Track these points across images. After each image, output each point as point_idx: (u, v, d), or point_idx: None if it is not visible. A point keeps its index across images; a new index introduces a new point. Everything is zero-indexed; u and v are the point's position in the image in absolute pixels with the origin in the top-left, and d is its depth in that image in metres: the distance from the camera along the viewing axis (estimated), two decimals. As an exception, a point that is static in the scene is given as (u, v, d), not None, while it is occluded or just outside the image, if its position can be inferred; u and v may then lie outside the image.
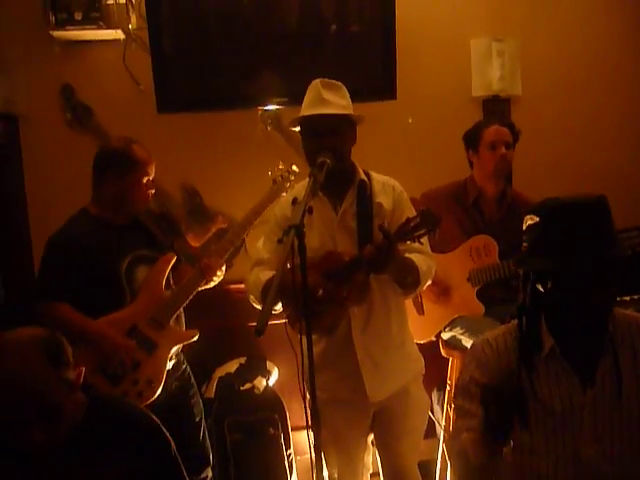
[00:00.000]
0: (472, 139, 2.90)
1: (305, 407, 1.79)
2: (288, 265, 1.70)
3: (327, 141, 2.14)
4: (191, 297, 2.63)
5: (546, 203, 1.60)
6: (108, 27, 3.17)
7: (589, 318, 1.59)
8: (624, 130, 3.69)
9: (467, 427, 1.63)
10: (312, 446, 1.77)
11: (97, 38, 3.25)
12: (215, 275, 2.67)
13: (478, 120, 3.12)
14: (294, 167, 2.76)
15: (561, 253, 1.52)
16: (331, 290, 2.14)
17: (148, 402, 2.41)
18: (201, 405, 2.82)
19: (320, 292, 2.12)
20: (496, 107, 3.58)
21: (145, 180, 2.54)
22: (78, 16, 3.08)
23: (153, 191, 2.61)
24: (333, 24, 3.30)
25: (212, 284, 2.72)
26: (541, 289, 1.59)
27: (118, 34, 3.23)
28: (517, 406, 1.54)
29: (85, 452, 1.65)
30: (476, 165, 2.92)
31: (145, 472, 1.70)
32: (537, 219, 1.59)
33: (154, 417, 1.82)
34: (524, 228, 1.65)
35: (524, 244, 1.65)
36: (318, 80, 2.22)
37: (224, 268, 2.72)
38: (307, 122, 2.21)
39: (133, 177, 2.50)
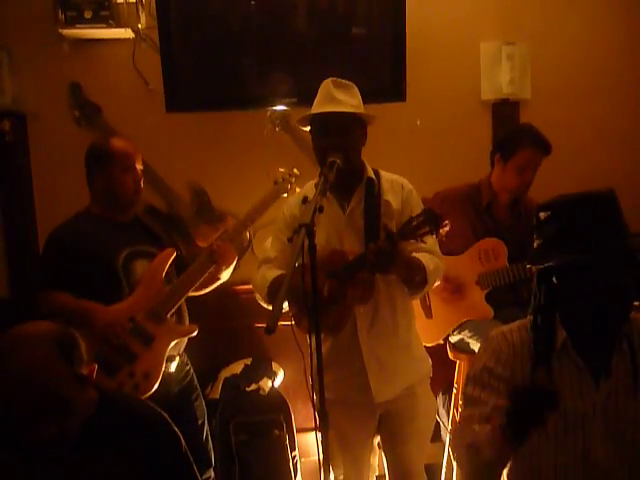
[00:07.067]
0: (506, 148, 2.84)
1: (313, 406, 1.78)
2: (296, 264, 1.69)
3: (337, 140, 2.14)
4: (197, 285, 2.60)
5: (556, 199, 1.60)
6: (117, 26, 3.16)
7: (604, 315, 1.57)
8: (633, 134, 3.68)
9: (477, 415, 1.60)
10: (320, 444, 1.76)
11: (106, 37, 3.25)
12: (225, 261, 2.63)
13: (522, 125, 3.14)
14: (295, 170, 2.76)
15: (575, 246, 1.51)
16: (335, 289, 2.13)
17: (145, 396, 2.39)
18: (204, 407, 2.80)
19: (325, 290, 2.11)
20: (505, 110, 3.57)
21: (130, 171, 2.56)
22: (88, 14, 3.08)
23: (141, 180, 2.61)
24: (343, 25, 3.30)
25: (223, 275, 2.69)
26: (556, 282, 1.58)
27: (127, 33, 3.23)
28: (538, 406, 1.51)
29: (96, 448, 1.64)
30: (498, 172, 2.88)
31: (156, 468, 1.69)
32: (548, 213, 1.58)
33: (164, 414, 1.81)
34: (535, 224, 1.63)
35: (535, 241, 1.63)
36: (330, 79, 2.22)
37: (234, 263, 2.69)
38: (317, 120, 2.21)
39: (115, 168, 2.54)
